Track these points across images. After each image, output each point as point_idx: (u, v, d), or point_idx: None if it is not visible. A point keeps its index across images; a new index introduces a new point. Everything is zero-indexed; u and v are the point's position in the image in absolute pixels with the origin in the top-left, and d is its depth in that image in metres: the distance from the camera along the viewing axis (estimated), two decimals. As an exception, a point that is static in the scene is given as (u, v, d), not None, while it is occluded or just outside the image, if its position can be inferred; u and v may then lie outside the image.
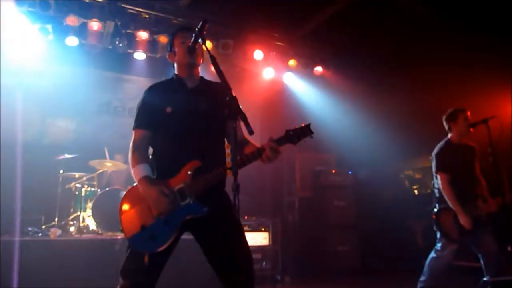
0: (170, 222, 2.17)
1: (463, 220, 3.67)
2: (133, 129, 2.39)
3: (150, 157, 2.40)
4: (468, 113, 3.95)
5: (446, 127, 4.04)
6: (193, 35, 2.25)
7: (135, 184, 2.28)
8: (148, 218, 2.19)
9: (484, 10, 5.48)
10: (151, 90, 2.44)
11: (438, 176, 3.88)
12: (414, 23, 6.11)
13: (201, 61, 2.45)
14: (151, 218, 2.19)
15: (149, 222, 2.19)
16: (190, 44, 2.29)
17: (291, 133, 2.22)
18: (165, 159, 2.33)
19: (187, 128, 2.32)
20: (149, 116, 2.36)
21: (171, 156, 2.31)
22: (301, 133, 2.22)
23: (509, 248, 3.50)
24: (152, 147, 2.41)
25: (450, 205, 3.76)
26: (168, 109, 2.32)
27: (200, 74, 2.51)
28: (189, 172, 2.20)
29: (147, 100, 2.40)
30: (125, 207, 2.28)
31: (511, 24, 5.49)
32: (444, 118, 4.06)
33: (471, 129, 3.88)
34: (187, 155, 2.24)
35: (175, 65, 2.50)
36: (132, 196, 2.28)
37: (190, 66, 2.42)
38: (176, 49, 2.46)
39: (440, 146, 4.00)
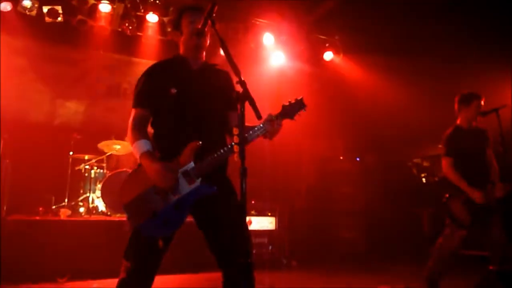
0: (181, 206, 2.15)
1: (475, 195, 3.63)
2: (133, 107, 2.33)
3: (151, 137, 2.36)
4: (483, 101, 3.89)
5: (456, 108, 3.98)
6: (203, 17, 2.22)
7: (137, 167, 2.24)
8: (158, 203, 2.14)
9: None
10: (153, 69, 2.39)
11: (443, 160, 3.87)
12: (427, 9, 5.99)
13: (208, 43, 2.43)
14: (161, 203, 2.14)
15: (160, 208, 2.13)
16: (199, 26, 2.25)
17: (288, 107, 2.27)
18: (168, 140, 2.29)
19: (192, 110, 2.30)
20: (151, 96, 2.31)
21: (173, 136, 2.28)
22: (296, 106, 2.29)
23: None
24: (153, 127, 2.36)
25: (458, 186, 3.73)
26: (173, 90, 2.29)
27: (208, 57, 2.50)
28: (191, 151, 2.16)
29: (149, 79, 2.35)
30: (130, 193, 2.18)
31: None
32: (457, 99, 3.97)
33: (480, 118, 3.84)
34: (189, 136, 2.22)
35: (180, 44, 2.46)
36: (136, 180, 2.20)
37: (197, 48, 2.39)
38: (183, 29, 2.42)
39: (449, 132, 3.95)
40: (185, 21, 2.42)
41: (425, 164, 7.78)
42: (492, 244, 3.66)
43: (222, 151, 2.17)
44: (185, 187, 2.16)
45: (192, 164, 2.17)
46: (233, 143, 2.08)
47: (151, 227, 2.13)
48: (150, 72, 2.38)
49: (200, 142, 2.17)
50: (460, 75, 6.13)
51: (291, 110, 2.28)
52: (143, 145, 2.20)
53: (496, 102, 3.79)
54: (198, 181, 2.16)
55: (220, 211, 2.22)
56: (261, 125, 2.21)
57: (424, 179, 7.64)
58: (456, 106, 3.98)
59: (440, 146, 3.97)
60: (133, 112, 2.33)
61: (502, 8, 5.46)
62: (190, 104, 2.31)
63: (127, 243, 2.21)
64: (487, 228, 3.67)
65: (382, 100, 6.84)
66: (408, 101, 6.69)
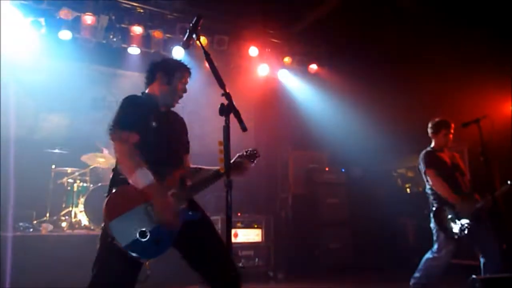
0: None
1: (460, 205, 3.73)
2: (124, 130, 2.24)
3: None
4: (452, 128, 4.11)
5: (429, 134, 4.22)
6: (187, 30, 2.24)
7: (123, 185, 2.20)
8: (147, 223, 2.11)
9: (477, 8, 5.52)
10: (134, 100, 2.42)
11: (428, 173, 3.98)
12: (409, 22, 6.14)
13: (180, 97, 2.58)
14: (150, 222, 2.12)
15: (150, 227, 2.11)
16: (184, 39, 2.28)
17: (245, 155, 2.56)
18: (151, 161, 2.27)
19: (168, 144, 2.40)
20: (137, 122, 2.30)
21: (156, 158, 2.29)
22: (251, 156, 2.58)
23: (504, 246, 3.52)
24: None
25: (444, 195, 3.81)
26: (154, 124, 2.36)
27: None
28: (178, 177, 2.30)
29: (134, 107, 2.36)
30: (116, 210, 2.10)
31: (506, 23, 5.53)
32: (428, 125, 4.22)
33: (449, 144, 4.11)
34: (169, 161, 2.35)
35: (159, 87, 2.50)
36: (124, 198, 2.16)
37: (171, 103, 2.54)
38: (175, 82, 2.49)
39: (425, 151, 4.15)
40: (181, 77, 2.51)
41: (410, 174, 7.87)
42: (485, 252, 3.69)
43: (212, 179, 2.36)
44: None
45: (178, 188, 2.28)
46: (218, 168, 2.27)
47: (139, 247, 2.06)
48: (132, 101, 2.40)
49: (184, 171, 2.38)
50: (443, 85, 6.28)
51: (249, 158, 2.57)
52: (149, 174, 2.18)
53: (478, 112, 3.89)
54: (184, 205, 2.27)
55: (198, 231, 2.29)
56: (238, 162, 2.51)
57: (408, 190, 7.73)
58: (428, 131, 4.23)
59: (419, 165, 4.09)
60: (125, 135, 2.23)
61: (481, 19, 5.62)
62: (167, 139, 2.41)
63: (96, 271, 2.12)
64: (478, 238, 3.72)
65: (366, 111, 6.93)
66: (392, 111, 6.80)
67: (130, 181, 2.18)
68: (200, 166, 2.61)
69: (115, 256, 2.07)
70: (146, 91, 2.53)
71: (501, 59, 5.70)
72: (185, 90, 2.53)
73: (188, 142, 2.65)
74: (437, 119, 4.19)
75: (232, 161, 2.36)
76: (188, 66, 2.56)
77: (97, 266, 2.13)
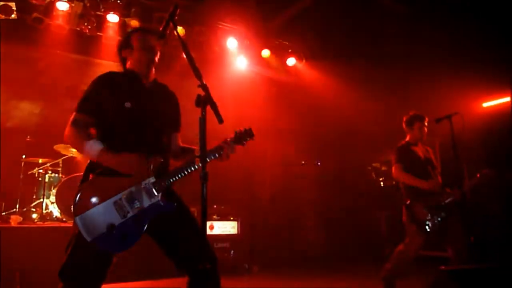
0: (140, 220, 2.11)
1: (429, 184, 3.85)
2: (75, 111, 2.25)
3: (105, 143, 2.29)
4: (426, 122, 4.22)
5: (404, 129, 4.32)
6: (165, 19, 2.20)
7: (92, 178, 2.17)
8: (115, 217, 2.07)
9: (451, 6, 5.64)
10: (105, 79, 2.35)
11: (394, 167, 4.12)
12: (389, 17, 6.23)
13: (156, 62, 2.44)
14: (119, 217, 2.08)
15: (118, 221, 2.07)
16: (161, 28, 2.23)
17: (239, 134, 2.38)
18: (123, 149, 2.21)
19: (146, 125, 2.30)
20: (100, 105, 2.25)
21: (129, 146, 2.21)
22: (246, 135, 2.41)
23: (471, 239, 3.64)
24: (106, 142, 2.23)
25: (411, 183, 3.95)
26: (127, 104, 2.27)
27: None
28: (152, 166, 2.17)
29: (101, 88, 2.30)
30: (84, 204, 2.07)
31: (478, 21, 5.67)
32: (403, 120, 4.33)
33: (424, 138, 4.21)
34: (145, 150, 2.21)
35: (130, 61, 2.46)
36: (92, 191, 2.11)
37: (149, 63, 2.41)
38: (134, 44, 2.43)
39: (399, 145, 4.25)
40: (136, 38, 2.45)
41: (383, 168, 8.03)
42: (454, 245, 3.81)
43: (188, 169, 2.20)
44: (146, 201, 2.14)
45: (153, 178, 2.17)
46: (194, 155, 2.23)
47: (107, 241, 2.04)
48: (102, 82, 2.34)
49: (162, 160, 2.21)
50: (417, 82, 6.41)
51: (242, 138, 2.39)
52: (98, 143, 2.16)
53: (449, 109, 4.00)
54: (158, 196, 2.16)
55: (176, 221, 2.23)
56: (216, 148, 2.29)
57: (382, 183, 7.89)
58: (403, 126, 4.32)
59: (391, 156, 4.18)
60: (73, 115, 2.24)
61: (455, 17, 5.75)
62: (145, 119, 2.30)
63: (64, 261, 2.08)
64: (447, 230, 3.84)
65: (342, 106, 7.02)
66: (367, 107, 6.91)
67: (85, 157, 2.20)
68: (188, 146, 2.52)
69: (83, 246, 2.06)
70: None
71: (474, 58, 5.87)
72: (150, 49, 2.38)
73: (176, 120, 2.53)
74: (411, 113, 4.29)
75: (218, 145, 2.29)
76: (139, 27, 2.55)
77: (68, 249, 2.12)
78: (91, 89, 2.31)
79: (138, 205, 2.12)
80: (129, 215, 2.09)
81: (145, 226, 2.13)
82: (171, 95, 2.56)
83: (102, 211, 2.07)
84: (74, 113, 2.27)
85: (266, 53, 7.18)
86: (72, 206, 2.09)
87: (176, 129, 2.55)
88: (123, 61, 2.51)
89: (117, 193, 2.11)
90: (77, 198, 2.09)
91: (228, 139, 2.32)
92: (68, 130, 2.23)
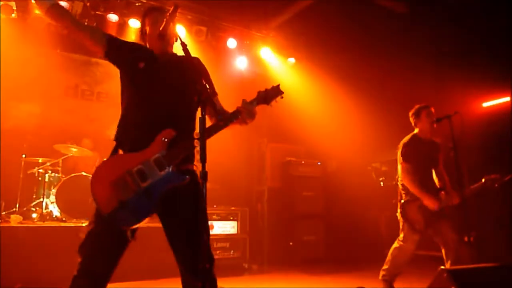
0: (151, 193, 2.12)
1: (429, 202, 3.80)
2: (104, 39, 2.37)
3: (119, 120, 2.32)
4: (432, 110, 4.10)
5: (412, 123, 4.19)
6: (164, 20, 2.21)
7: (108, 157, 2.22)
8: (126, 192, 2.10)
9: (452, 7, 5.64)
10: (125, 40, 2.45)
11: (402, 167, 4.01)
12: (388, 17, 6.23)
13: (173, 42, 2.40)
14: (129, 192, 2.11)
15: (128, 196, 2.10)
16: (161, 28, 2.24)
17: (263, 93, 2.28)
18: (136, 125, 2.25)
19: (160, 89, 2.28)
20: (120, 49, 2.36)
21: (142, 120, 2.24)
22: (272, 92, 2.30)
23: (466, 239, 3.65)
24: (122, 107, 2.32)
25: (413, 192, 3.88)
26: (141, 64, 2.28)
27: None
28: (164, 139, 2.16)
29: (122, 42, 2.41)
30: (98, 184, 2.14)
31: (479, 23, 5.68)
32: (410, 114, 4.21)
33: (435, 125, 4.02)
34: (160, 120, 2.21)
35: (148, 42, 2.47)
36: (105, 170, 2.16)
37: (162, 47, 2.39)
38: (147, 30, 2.43)
39: (406, 139, 4.13)
40: (148, 22, 2.44)
41: (384, 168, 8.03)
42: (446, 244, 3.82)
43: (191, 142, 2.16)
44: (156, 174, 2.14)
45: (164, 152, 2.15)
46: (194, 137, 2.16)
47: (119, 216, 2.09)
48: (122, 39, 2.44)
49: (174, 132, 2.17)
50: (418, 82, 6.41)
51: (266, 95, 2.29)
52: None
53: (449, 109, 4.00)
54: (168, 168, 2.15)
55: (187, 216, 2.18)
56: (234, 115, 2.21)
57: (382, 183, 7.89)
58: (411, 121, 4.20)
59: (397, 151, 4.13)
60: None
61: (455, 18, 5.76)
62: (158, 83, 2.28)
63: (84, 238, 2.16)
64: (440, 231, 3.85)
65: (343, 105, 7.02)
66: (368, 106, 6.91)
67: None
68: (224, 112, 2.35)
69: (99, 221, 2.15)
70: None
71: (474, 59, 5.87)
72: (164, 28, 2.25)
73: (205, 85, 2.15)
74: (416, 106, 4.18)
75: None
76: (152, 7, 2.55)
77: (89, 225, 2.19)
78: (115, 38, 2.42)
79: (149, 179, 2.13)
80: (139, 190, 2.11)
81: (156, 199, 2.13)
82: (195, 61, 2.38)
83: (113, 188, 2.11)
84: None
85: (265, 53, 7.19)
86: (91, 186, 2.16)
87: (207, 93, 2.16)
88: (143, 39, 2.53)
89: (130, 168, 2.13)
90: (92, 179, 2.15)
91: (247, 101, 2.24)
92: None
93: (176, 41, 2.38)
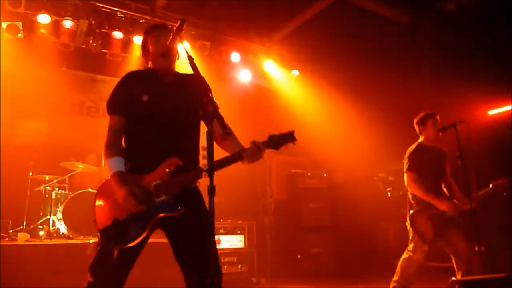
0: (143, 218, 2.15)
1: (443, 205, 3.73)
2: (108, 113, 2.34)
3: (124, 145, 2.35)
4: (437, 117, 4.06)
5: (417, 131, 4.16)
6: (171, 34, 2.23)
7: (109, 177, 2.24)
8: (121, 212, 2.16)
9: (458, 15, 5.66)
10: (126, 76, 2.41)
11: (407, 175, 3.97)
12: (391, 27, 6.26)
13: (176, 59, 2.43)
14: (124, 213, 2.15)
15: (122, 217, 2.16)
16: (167, 43, 2.26)
17: (275, 138, 2.27)
18: (141, 151, 2.29)
19: (164, 119, 2.30)
20: (125, 102, 2.31)
21: (147, 148, 2.28)
22: (284, 139, 2.30)
23: (476, 248, 3.59)
24: (126, 136, 2.35)
25: (425, 199, 3.82)
26: (144, 98, 2.29)
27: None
28: (167, 170, 2.18)
29: (123, 86, 2.36)
30: (99, 200, 2.25)
31: (486, 31, 5.69)
32: (415, 122, 4.18)
33: (440, 133, 3.98)
34: (164, 149, 2.23)
35: (150, 61, 2.48)
36: (107, 189, 2.23)
37: (165, 65, 2.40)
38: (149, 48, 2.44)
39: (411, 148, 4.11)
40: (151, 40, 2.44)
41: (391, 178, 7.97)
42: (456, 254, 3.76)
43: (195, 174, 2.19)
44: (152, 200, 2.17)
45: (165, 180, 2.18)
46: (201, 168, 2.18)
47: (111, 234, 2.17)
48: (123, 80, 2.40)
49: (179, 160, 2.19)
50: (423, 91, 6.40)
51: (278, 141, 2.28)
52: (116, 164, 2.21)
53: (454, 117, 3.97)
54: (165, 197, 2.16)
55: (193, 230, 2.19)
56: (238, 157, 2.22)
57: (389, 193, 7.83)
58: (416, 129, 4.17)
59: (403, 161, 4.10)
60: (110, 120, 2.33)
61: (470, 23, 5.75)
62: (162, 113, 2.30)
63: (93, 258, 2.20)
64: (450, 241, 3.79)
65: (348, 116, 7.01)
66: (374, 116, 6.89)
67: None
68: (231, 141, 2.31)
69: (101, 247, 2.22)
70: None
71: (480, 67, 5.86)
72: (165, 46, 2.30)
73: (208, 104, 1.95)
74: (421, 114, 4.14)
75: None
76: (154, 25, 2.52)
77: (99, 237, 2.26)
78: (115, 89, 2.37)
79: (145, 204, 2.16)
80: (134, 212, 2.14)
81: (147, 224, 2.15)
82: (199, 81, 2.20)
83: (111, 207, 2.21)
84: (109, 117, 2.33)
85: (269, 66, 7.23)
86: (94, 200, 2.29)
87: (209, 115, 2.00)
88: (145, 56, 2.52)
89: (131, 189, 2.15)
90: (95, 196, 2.28)
91: (258, 142, 2.23)
92: (105, 139, 2.29)
93: (178, 58, 2.43)
